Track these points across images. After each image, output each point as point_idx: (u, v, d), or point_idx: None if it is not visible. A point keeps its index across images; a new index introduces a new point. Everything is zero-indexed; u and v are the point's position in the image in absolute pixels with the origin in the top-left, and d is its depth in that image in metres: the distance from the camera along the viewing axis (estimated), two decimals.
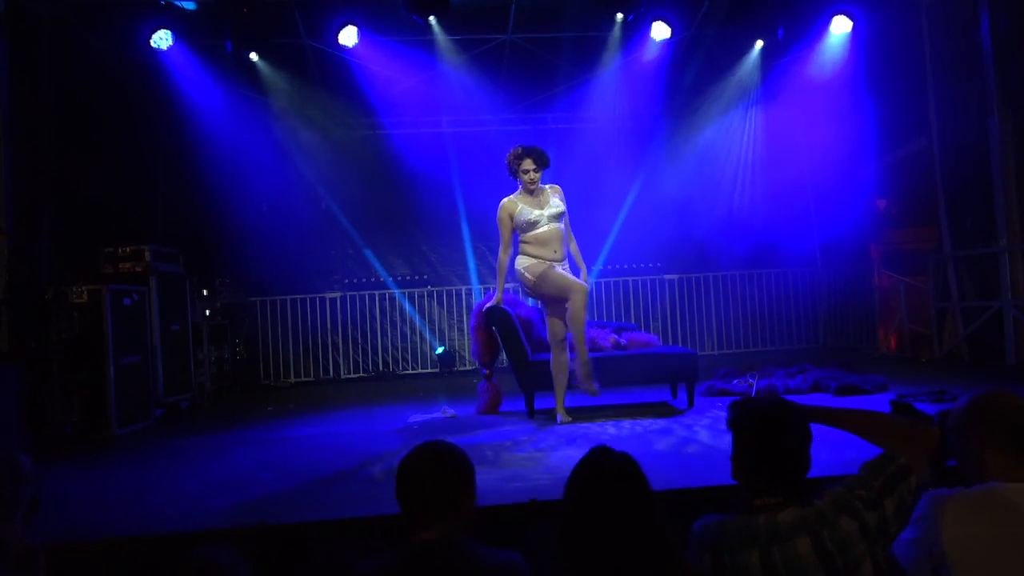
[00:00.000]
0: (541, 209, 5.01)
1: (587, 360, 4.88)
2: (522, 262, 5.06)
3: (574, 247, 5.26)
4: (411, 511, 1.85)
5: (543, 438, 4.59)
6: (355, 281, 9.41)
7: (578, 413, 5.15)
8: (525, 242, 5.06)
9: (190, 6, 7.36)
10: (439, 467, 1.86)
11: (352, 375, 9.13)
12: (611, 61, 8.44)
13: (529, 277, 4.99)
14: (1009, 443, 1.90)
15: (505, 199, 5.09)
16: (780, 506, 1.83)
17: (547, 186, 5.17)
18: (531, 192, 5.03)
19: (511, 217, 5.03)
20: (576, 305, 4.82)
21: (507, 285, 5.30)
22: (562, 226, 5.08)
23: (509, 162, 5.07)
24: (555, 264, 5.01)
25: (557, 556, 1.71)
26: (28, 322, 5.58)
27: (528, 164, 4.97)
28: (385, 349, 9.22)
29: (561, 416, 5.00)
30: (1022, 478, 1.87)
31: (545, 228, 5.00)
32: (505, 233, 5.08)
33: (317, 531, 2.93)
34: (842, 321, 9.37)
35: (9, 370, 4.80)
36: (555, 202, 5.06)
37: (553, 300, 4.99)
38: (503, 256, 5.12)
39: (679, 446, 4.13)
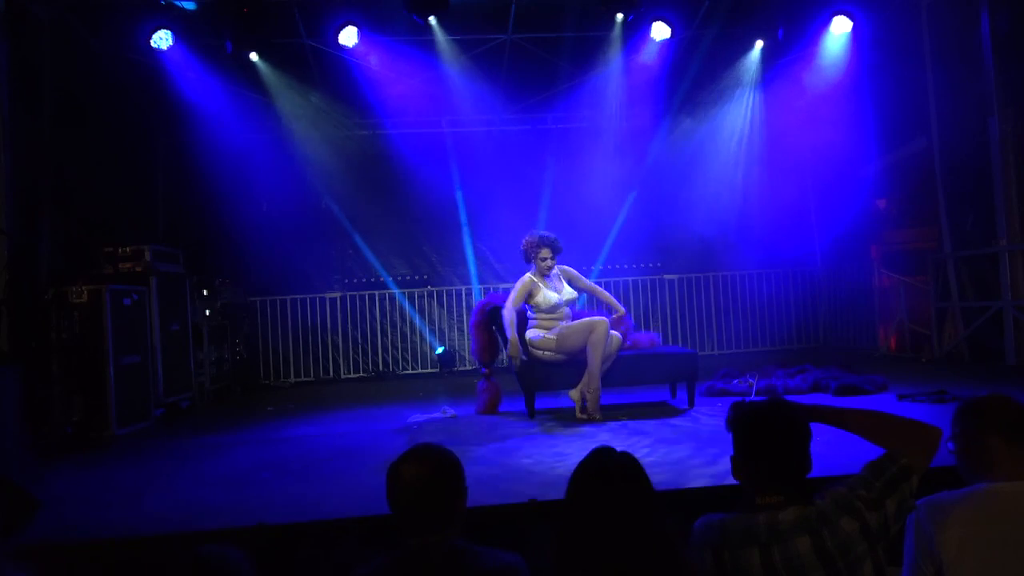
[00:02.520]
0: (559, 294, 5.36)
1: (598, 388, 5.08)
2: (537, 333, 5.30)
3: (607, 297, 5.75)
4: (404, 516, 1.84)
5: (543, 438, 4.60)
6: (355, 281, 9.40)
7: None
8: (539, 317, 5.35)
9: (190, 6, 7.35)
10: (429, 472, 1.85)
11: (352, 375, 9.13)
12: (611, 61, 8.43)
13: (552, 339, 5.23)
14: (1010, 435, 1.92)
15: (528, 276, 5.38)
16: (781, 505, 1.83)
17: (557, 268, 5.51)
18: (545, 275, 5.39)
19: (531, 294, 5.33)
20: (599, 335, 5.04)
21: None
22: (569, 309, 5.44)
23: (525, 248, 5.46)
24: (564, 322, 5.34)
25: (557, 557, 1.71)
26: (28, 322, 5.57)
27: (546, 253, 5.39)
28: (385, 349, 9.22)
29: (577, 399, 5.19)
30: (1017, 475, 1.89)
31: (562, 310, 5.35)
32: (517, 300, 5.31)
33: (317, 531, 2.93)
34: (842, 321, 9.37)
35: (9, 370, 4.80)
36: (568, 290, 5.43)
37: (579, 349, 5.14)
38: (509, 312, 5.25)
39: (680, 446, 4.12)
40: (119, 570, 2.78)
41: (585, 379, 5.14)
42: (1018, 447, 1.92)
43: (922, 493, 1.94)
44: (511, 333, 5.24)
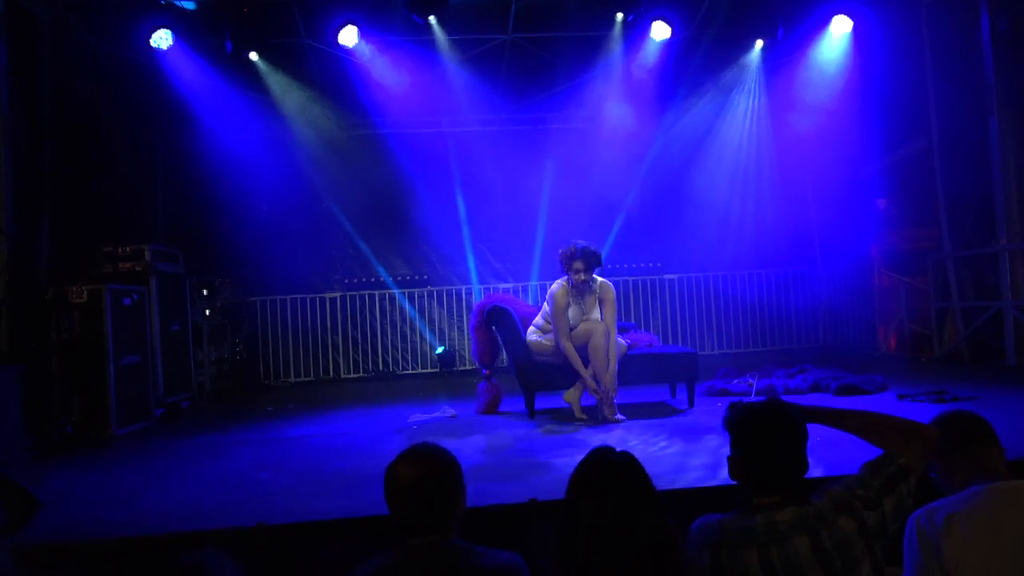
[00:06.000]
0: (583, 314, 5.15)
1: (607, 390, 4.99)
2: (536, 336, 5.28)
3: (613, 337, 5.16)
4: (402, 516, 1.84)
5: (543, 438, 4.60)
6: (355, 281, 9.40)
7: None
8: (544, 323, 5.25)
9: (190, 6, 7.36)
10: (426, 472, 1.86)
11: (352, 375, 9.13)
12: (611, 61, 8.43)
13: (548, 344, 5.20)
14: (981, 441, 2.03)
15: (558, 286, 5.14)
16: (778, 505, 1.83)
17: (598, 281, 5.23)
18: (579, 287, 5.14)
19: (566, 308, 5.12)
20: (598, 340, 4.97)
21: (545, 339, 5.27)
22: None
23: (562, 257, 5.15)
24: None
25: (558, 556, 1.71)
26: (28, 322, 5.58)
27: (579, 265, 5.06)
28: (385, 349, 9.22)
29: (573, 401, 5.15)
30: (1001, 474, 1.97)
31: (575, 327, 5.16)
32: (561, 322, 5.09)
33: (317, 531, 2.93)
34: (842, 321, 9.37)
35: (9, 370, 4.80)
36: (596, 314, 5.17)
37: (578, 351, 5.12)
38: (567, 344, 5.06)
39: (679, 446, 4.12)
40: (119, 570, 2.78)
41: (580, 384, 5.11)
42: (991, 449, 2.03)
43: (920, 501, 1.95)
44: (582, 368, 5.01)
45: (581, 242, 5.12)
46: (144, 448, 5.16)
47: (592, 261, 5.08)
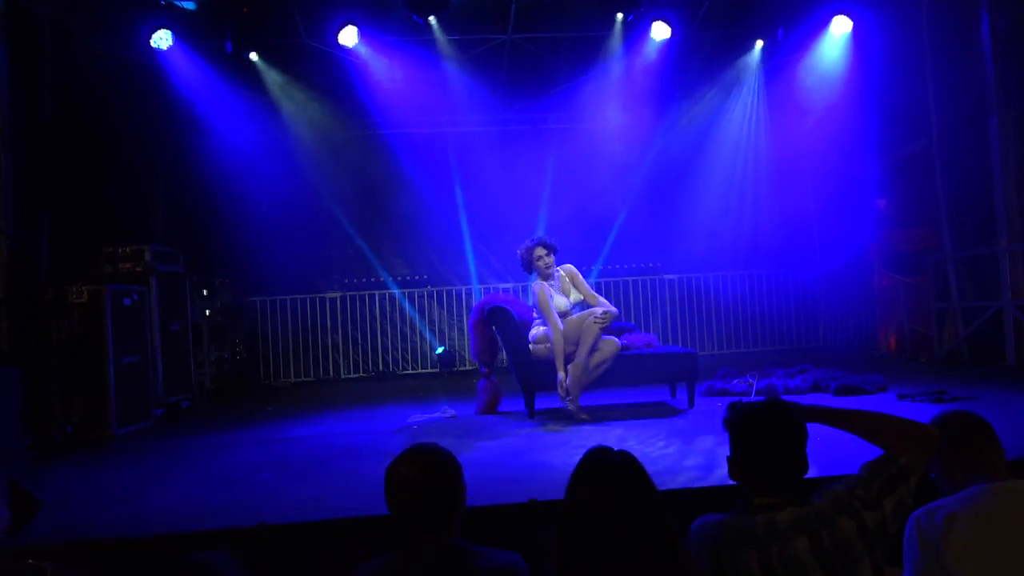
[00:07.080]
0: (567, 298, 5.34)
1: (581, 372, 5.02)
2: (538, 331, 5.32)
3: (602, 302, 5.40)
4: (402, 516, 1.84)
5: (542, 438, 4.60)
6: (355, 281, 9.40)
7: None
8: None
9: (190, 6, 7.36)
10: (426, 472, 1.85)
11: (352, 375, 9.13)
12: (611, 61, 8.44)
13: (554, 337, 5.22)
14: (981, 441, 2.04)
15: (536, 286, 5.30)
16: (778, 506, 1.83)
17: (560, 269, 5.45)
18: (547, 277, 5.35)
19: (550, 300, 5.23)
20: (592, 322, 5.05)
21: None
22: (575, 310, 5.40)
23: (522, 256, 5.44)
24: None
25: (557, 556, 1.71)
26: (28, 322, 5.58)
27: (540, 251, 5.36)
28: (385, 349, 9.22)
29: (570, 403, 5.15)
30: (1001, 474, 1.98)
31: (569, 313, 5.31)
32: (551, 315, 5.18)
33: (317, 531, 2.93)
34: (842, 321, 9.37)
35: (9, 370, 4.79)
36: (575, 294, 5.40)
37: (576, 341, 5.16)
38: (558, 336, 5.12)
39: (679, 446, 4.13)
40: (120, 570, 2.78)
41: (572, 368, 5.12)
42: (991, 448, 2.04)
43: (920, 501, 1.95)
44: (561, 367, 5.07)
45: (533, 237, 5.48)
46: (144, 448, 5.16)
47: (550, 246, 5.39)
